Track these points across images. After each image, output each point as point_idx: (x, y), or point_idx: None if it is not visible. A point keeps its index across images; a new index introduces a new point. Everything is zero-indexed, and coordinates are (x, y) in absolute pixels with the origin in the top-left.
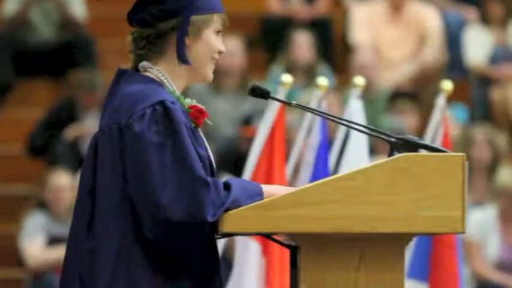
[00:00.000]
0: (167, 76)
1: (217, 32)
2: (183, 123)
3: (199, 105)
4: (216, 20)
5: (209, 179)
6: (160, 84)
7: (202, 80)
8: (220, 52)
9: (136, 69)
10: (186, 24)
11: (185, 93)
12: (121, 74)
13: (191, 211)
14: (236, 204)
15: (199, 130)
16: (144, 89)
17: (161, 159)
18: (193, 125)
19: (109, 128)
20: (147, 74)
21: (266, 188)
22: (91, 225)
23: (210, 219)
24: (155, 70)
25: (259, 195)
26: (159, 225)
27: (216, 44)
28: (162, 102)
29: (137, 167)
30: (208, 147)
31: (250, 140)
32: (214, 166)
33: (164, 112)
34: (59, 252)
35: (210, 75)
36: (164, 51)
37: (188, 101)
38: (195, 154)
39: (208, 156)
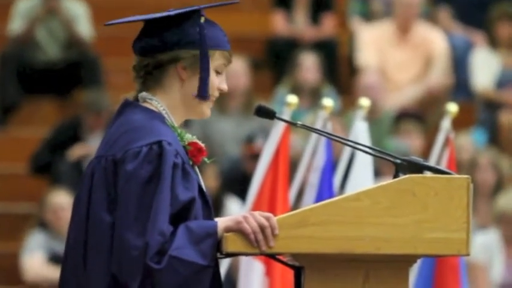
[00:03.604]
0: (166, 108)
1: (217, 71)
2: (171, 167)
3: (199, 143)
4: (217, 58)
5: (166, 230)
6: (161, 117)
7: (199, 116)
8: (221, 90)
9: (137, 98)
10: (206, 59)
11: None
12: (125, 105)
13: (140, 254)
14: (181, 251)
15: (196, 167)
16: (145, 125)
17: (142, 195)
18: (190, 162)
19: (105, 159)
20: (147, 105)
21: (226, 223)
22: (86, 254)
23: (156, 266)
24: (154, 101)
25: (211, 235)
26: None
27: (214, 82)
28: (159, 142)
29: (122, 199)
30: (202, 183)
31: (253, 158)
32: (209, 199)
33: (159, 152)
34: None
35: (207, 112)
36: (162, 83)
37: (188, 137)
38: (168, 203)
39: (202, 191)
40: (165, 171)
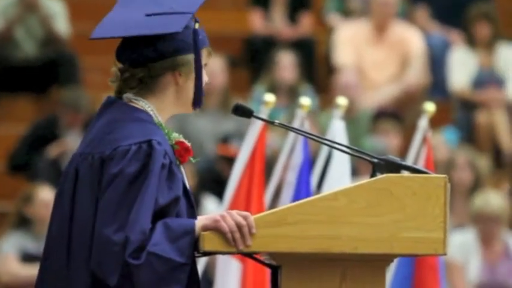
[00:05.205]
0: (153, 108)
1: (205, 65)
2: (159, 167)
3: (186, 142)
4: (204, 54)
5: (148, 229)
6: (148, 115)
7: (189, 111)
8: (207, 83)
9: (120, 98)
10: (200, 66)
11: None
12: (110, 102)
13: (120, 250)
14: (159, 247)
15: (181, 167)
16: (134, 123)
17: (126, 191)
18: (177, 162)
19: (92, 156)
20: (133, 104)
21: (203, 222)
22: (70, 253)
23: (134, 262)
24: (141, 102)
25: (188, 233)
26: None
27: (205, 77)
28: (149, 142)
29: (106, 195)
30: (186, 182)
31: (226, 160)
32: (192, 199)
33: (148, 151)
34: (34, 270)
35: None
36: (154, 89)
37: (175, 136)
38: (152, 202)
39: (186, 191)
40: (154, 171)
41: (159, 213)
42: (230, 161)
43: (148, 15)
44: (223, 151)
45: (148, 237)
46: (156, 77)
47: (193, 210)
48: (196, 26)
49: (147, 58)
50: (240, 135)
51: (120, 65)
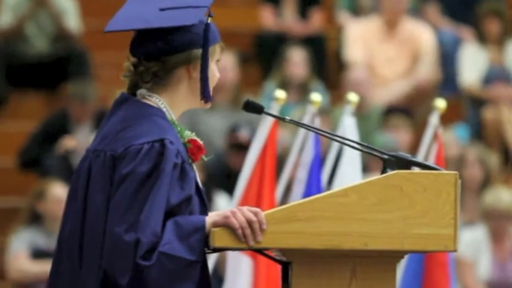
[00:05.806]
0: (166, 105)
1: (217, 61)
2: (171, 167)
3: (199, 140)
4: (217, 50)
5: (160, 230)
6: (161, 113)
7: (203, 106)
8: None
9: (133, 94)
10: (206, 60)
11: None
12: (123, 99)
13: (131, 251)
14: (169, 246)
15: (193, 165)
16: (147, 121)
17: (138, 190)
18: (190, 160)
19: (104, 154)
20: (146, 101)
21: (214, 218)
22: (82, 253)
23: (145, 263)
24: (154, 98)
25: (198, 230)
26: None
27: (216, 73)
28: (162, 141)
29: (118, 193)
30: (198, 180)
31: (236, 147)
32: (204, 197)
33: (161, 150)
34: (45, 266)
35: (209, 102)
36: (168, 83)
37: (188, 134)
38: (164, 202)
39: (198, 189)
40: (166, 170)
41: (171, 213)
42: (240, 148)
43: (162, 9)
44: (232, 139)
45: (159, 238)
46: (170, 70)
47: (205, 209)
48: (209, 20)
49: (162, 51)
50: (250, 127)
51: (133, 59)
